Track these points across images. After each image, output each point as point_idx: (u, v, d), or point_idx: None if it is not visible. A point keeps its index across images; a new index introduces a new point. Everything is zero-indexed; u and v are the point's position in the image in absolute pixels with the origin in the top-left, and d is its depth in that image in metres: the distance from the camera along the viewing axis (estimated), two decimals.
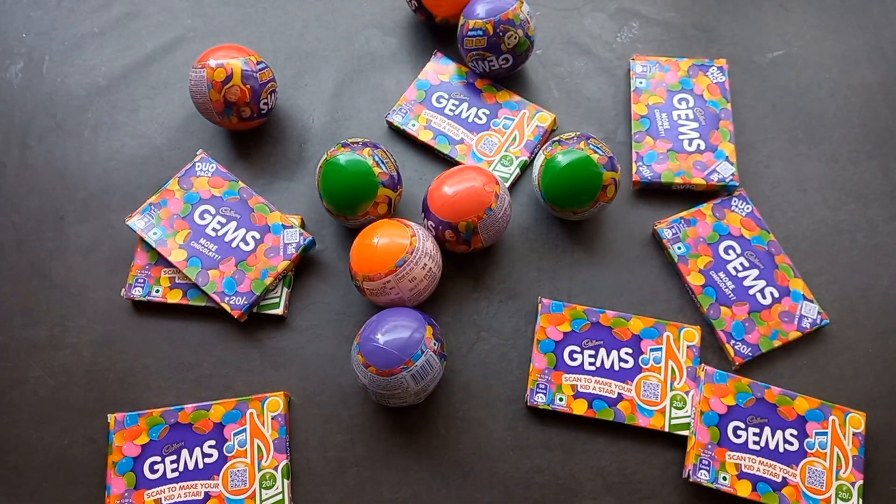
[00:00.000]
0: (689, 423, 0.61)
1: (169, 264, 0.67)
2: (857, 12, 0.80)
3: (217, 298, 0.65)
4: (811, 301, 0.65)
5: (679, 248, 0.68)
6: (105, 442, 0.63)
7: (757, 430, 0.60)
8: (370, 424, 0.64)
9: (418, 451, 0.62)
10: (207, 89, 0.67)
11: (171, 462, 0.61)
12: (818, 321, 0.65)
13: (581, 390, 0.62)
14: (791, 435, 0.60)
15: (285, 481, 0.60)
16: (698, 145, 0.71)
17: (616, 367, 0.63)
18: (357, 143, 0.66)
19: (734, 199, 0.69)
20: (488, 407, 0.64)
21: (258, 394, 0.63)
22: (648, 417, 0.61)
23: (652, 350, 0.63)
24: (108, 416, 0.63)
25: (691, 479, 0.59)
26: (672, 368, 0.63)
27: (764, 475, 0.58)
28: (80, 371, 0.67)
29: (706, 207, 0.69)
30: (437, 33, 0.80)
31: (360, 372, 0.58)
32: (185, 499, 0.60)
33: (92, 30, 0.82)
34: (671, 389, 0.62)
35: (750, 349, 0.64)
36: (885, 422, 0.62)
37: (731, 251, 0.67)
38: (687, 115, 0.72)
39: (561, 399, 0.62)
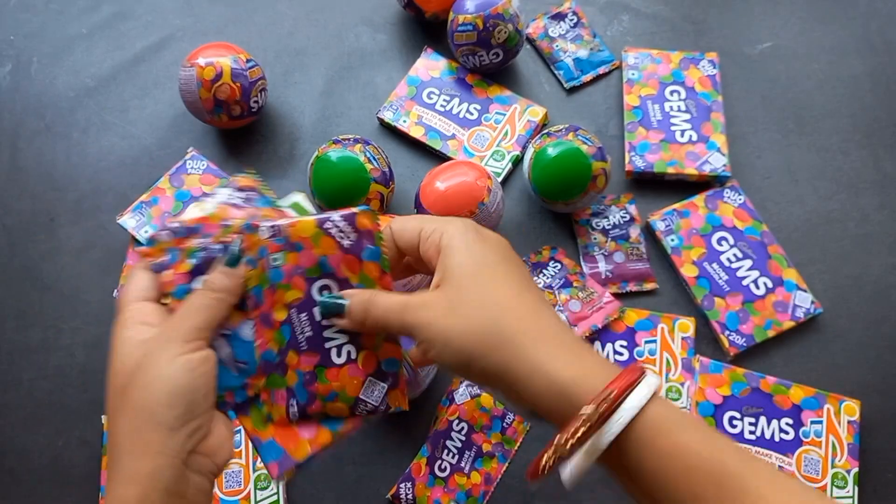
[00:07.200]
0: None
1: None
2: (844, 3, 0.80)
3: None
4: (804, 291, 0.65)
5: (672, 239, 0.68)
6: (100, 443, 0.63)
7: (752, 420, 0.60)
8: None
9: (415, 447, 0.62)
10: (197, 88, 0.67)
11: None
12: (812, 310, 0.65)
13: None
14: (786, 424, 0.60)
15: (280, 482, 0.60)
16: (690, 136, 0.71)
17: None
18: (348, 139, 0.66)
19: (726, 190, 0.69)
20: None
21: None
22: None
23: (646, 342, 0.63)
24: (103, 417, 0.62)
25: None
26: (667, 360, 0.63)
27: None
28: (73, 373, 0.66)
29: (699, 199, 0.69)
30: (426, 29, 0.80)
31: None
32: None
33: (80, 31, 0.81)
34: (667, 381, 0.62)
35: (744, 339, 0.64)
36: (880, 409, 0.63)
37: (724, 242, 0.67)
38: (679, 106, 0.73)
39: None
